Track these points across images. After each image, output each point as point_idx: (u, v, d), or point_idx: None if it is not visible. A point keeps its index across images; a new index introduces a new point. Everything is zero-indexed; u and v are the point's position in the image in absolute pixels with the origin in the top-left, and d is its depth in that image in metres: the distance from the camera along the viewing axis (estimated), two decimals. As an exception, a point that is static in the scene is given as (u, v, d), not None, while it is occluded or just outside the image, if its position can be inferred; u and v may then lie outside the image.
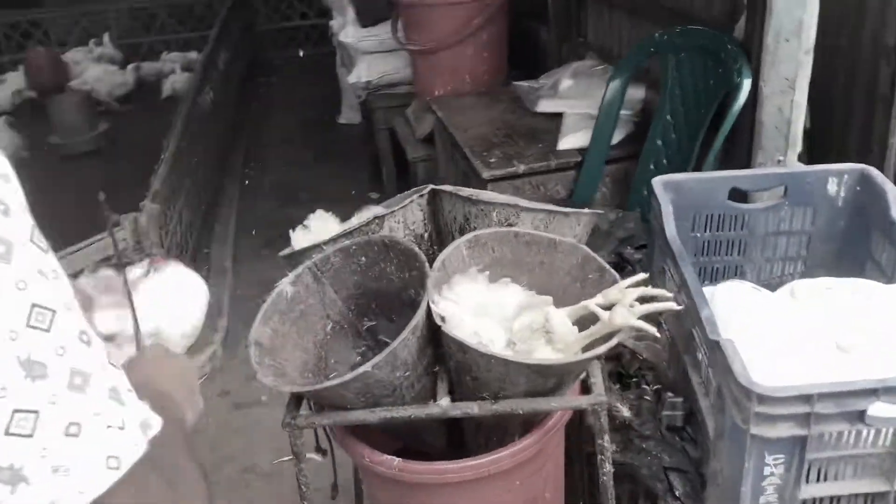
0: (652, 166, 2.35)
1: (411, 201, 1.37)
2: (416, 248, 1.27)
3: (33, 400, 0.50)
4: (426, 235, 1.43)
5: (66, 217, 3.82)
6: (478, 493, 1.32)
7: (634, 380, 1.67)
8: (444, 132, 2.99)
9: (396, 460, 1.27)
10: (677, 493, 1.39)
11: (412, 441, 1.42)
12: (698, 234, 1.73)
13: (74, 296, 0.56)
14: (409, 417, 1.20)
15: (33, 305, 0.51)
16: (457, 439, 1.43)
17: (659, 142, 2.33)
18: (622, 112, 2.52)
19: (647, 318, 1.18)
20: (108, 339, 1.05)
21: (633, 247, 2.14)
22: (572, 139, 2.62)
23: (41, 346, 0.51)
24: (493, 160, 2.56)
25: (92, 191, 4.23)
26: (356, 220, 1.39)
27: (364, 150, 4.54)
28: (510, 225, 1.34)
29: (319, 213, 1.54)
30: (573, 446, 1.60)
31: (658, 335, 1.19)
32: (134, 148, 4.55)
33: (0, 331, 0.49)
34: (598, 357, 1.18)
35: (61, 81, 5.98)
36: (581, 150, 2.56)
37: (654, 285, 1.76)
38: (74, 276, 2.64)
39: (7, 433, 0.49)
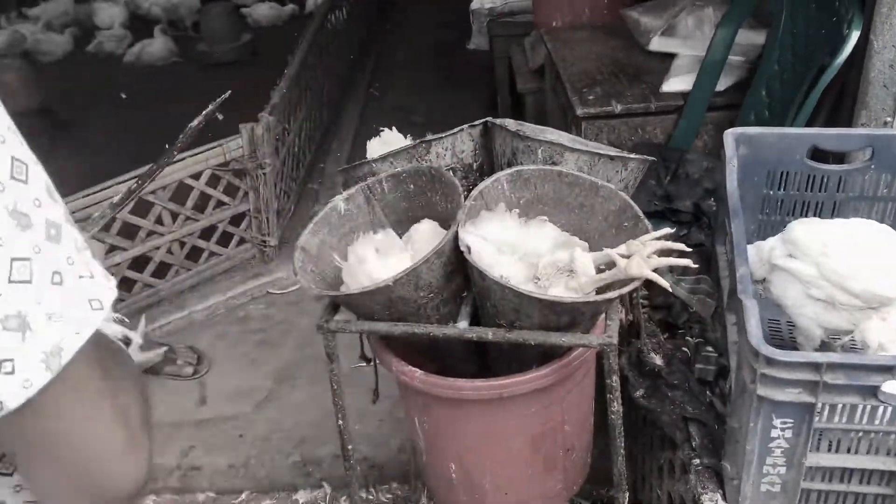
0: (753, 117, 2.25)
1: (461, 130, 1.42)
2: (456, 181, 1.33)
3: (25, 248, 0.51)
4: (476, 166, 1.48)
5: (188, 121, 4.13)
6: (495, 414, 1.41)
7: (681, 331, 1.68)
8: (551, 65, 2.96)
9: (419, 372, 1.37)
10: (694, 444, 1.41)
11: (445, 364, 1.51)
12: (771, 192, 1.68)
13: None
14: (428, 335, 1.29)
15: (13, 158, 0.52)
16: (486, 367, 1.51)
17: (763, 92, 2.22)
18: (733, 58, 2.40)
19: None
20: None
21: (717, 199, 2.09)
22: (678, 82, 2.53)
23: (23, 198, 0.52)
24: (591, 97, 2.52)
25: (225, 100, 4.49)
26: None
27: (486, 77, 4.55)
28: (554, 163, 1.37)
29: (393, 131, 1.61)
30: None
31: (669, 288, 1.19)
32: (272, 60, 4.76)
33: None
34: (610, 300, 1.21)
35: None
36: (685, 95, 2.48)
37: (714, 240, 1.74)
38: (195, 177, 2.89)
39: (10, 281, 0.50)
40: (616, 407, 1.29)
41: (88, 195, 2.63)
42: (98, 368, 0.57)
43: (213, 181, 2.97)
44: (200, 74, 5.22)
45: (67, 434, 0.56)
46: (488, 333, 1.26)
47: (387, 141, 1.51)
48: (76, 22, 5.92)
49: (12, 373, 0.51)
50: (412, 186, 1.40)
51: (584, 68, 2.73)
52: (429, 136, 1.41)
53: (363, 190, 1.42)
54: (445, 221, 1.38)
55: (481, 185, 1.32)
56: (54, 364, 0.52)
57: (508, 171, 1.35)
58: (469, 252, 1.23)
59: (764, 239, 1.63)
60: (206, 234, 3.05)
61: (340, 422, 1.44)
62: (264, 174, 3.00)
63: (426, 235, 1.32)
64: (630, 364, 1.56)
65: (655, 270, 1.19)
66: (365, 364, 1.59)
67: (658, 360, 1.52)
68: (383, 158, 1.41)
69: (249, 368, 2.75)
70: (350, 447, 1.48)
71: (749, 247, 1.55)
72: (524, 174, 1.35)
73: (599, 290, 1.25)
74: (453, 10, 5.41)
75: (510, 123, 1.48)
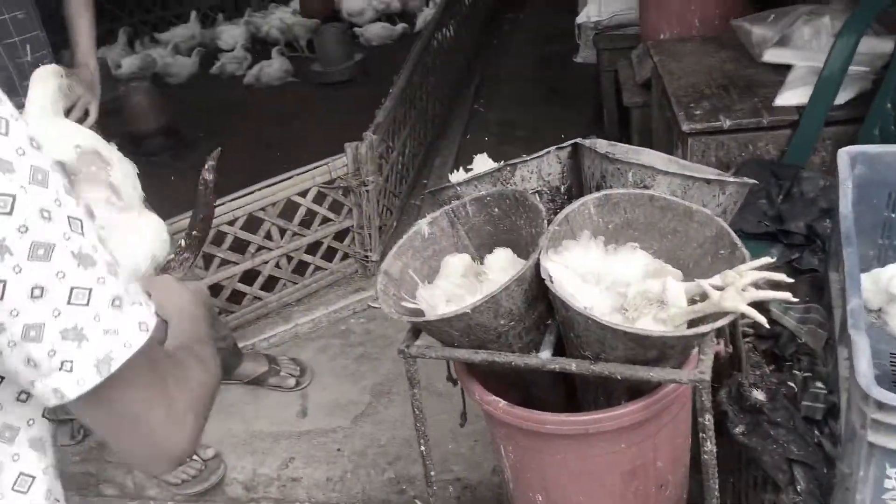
0: (877, 132, 2.08)
1: (548, 153, 1.39)
2: (540, 206, 1.29)
3: (87, 280, 0.66)
4: (564, 189, 1.44)
5: (308, 141, 4.28)
6: (581, 449, 1.36)
7: (789, 363, 1.57)
8: (657, 78, 2.86)
9: (502, 402, 1.34)
10: (799, 488, 1.31)
11: (532, 394, 1.47)
12: (893, 215, 1.54)
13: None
14: (510, 364, 1.26)
15: (69, 217, 0.66)
16: (575, 397, 1.46)
17: (888, 105, 2.06)
18: (855, 68, 2.24)
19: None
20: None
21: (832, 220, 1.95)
22: (793, 95, 2.38)
23: (84, 243, 0.66)
24: (697, 112, 2.42)
25: (336, 118, 4.64)
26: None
27: (593, 91, 4.47)
28: (645, 187, 1.31)
29: (482, 156, 1.60)
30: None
31: (767, 325, 1.11)
32: (383, 79, 4.87)
33: (57, 232, 0.64)
34: (701, 335, 1.13)
35: (330, 11, 6.48)
36: (800, 109, 2.33)
37: (828, 265, 1.62)
38: (303, 194, 2.98)
39: (68, 303, 0.65)
40: (709, 447, 1.21)
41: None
42: (149, 368, 0.72)
43: (319, 198, 3.05)
44: (314, 93, 5.40)
45: (124, 413, 0.72)
46: (571, 365, 1.22)
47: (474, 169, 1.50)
48: (202, 45, 6.26)
49: (70, 371, 0.66)
50: (497, 210, 1.38)
51: (691, 82, 2.62)
52: (514, 160, 1.38)
53: (447, 213, 1.40)
54: (530, 246, 1.35)
55: (566, 210, 1.28)
56: (104, 369, 0.67)
57: (596, 194, 1.30)
58: (551, 281, 1.19)
59: (884, 266, 1.50)
60: (312, 249, 3.13)
61: (423, 447, 1.43)
62: (367, 191, 3.06)
63: (501, 263, 1.29)
64: (730, 398, 1.47)
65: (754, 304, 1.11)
66: (454, 385, 1.57)
67: (760, 395, 1.42)
68: (467, 182, 1.40)
69: (349, 382, 2.79)
70: (433, 473, 1.47)
71: (865, 275, 1.43)
72: (613, 198, 1.30)
73: (692, 323, 1.18)
74: (561, 24, 5.36)
75: (601, 144, 1.43)
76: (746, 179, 1.32)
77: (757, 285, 1.14)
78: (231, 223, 2.86)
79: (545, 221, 1.26)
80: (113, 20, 6.56)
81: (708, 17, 3.13)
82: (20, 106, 1.80)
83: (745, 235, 2.16)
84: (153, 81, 5.51)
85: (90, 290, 0.66)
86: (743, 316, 1.24)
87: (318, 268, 3.17)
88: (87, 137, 1.27)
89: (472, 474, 2.32)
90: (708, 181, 1.29)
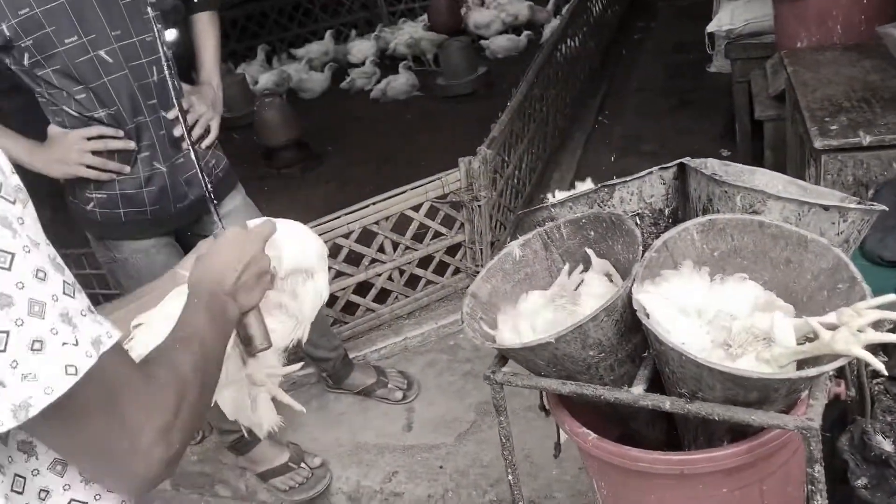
0: None
1: (650, 173, 1.31)
2: (636, 231, 1.22)
3: (2, 323, 0.63)
4: (668, 212, 1.35)
5: (428, 153, 4.31)
6: (679, 490, 1.26)
7: (928, 410, 1.40)
8: (790, 90, 2.66)
9: (591, 436, 1.27)
10: (930, 556, 1.16)
11: (630, 427, 1.39)
12: None
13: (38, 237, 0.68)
14: (599, 397, 1.19)
15: None
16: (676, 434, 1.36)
17: None
18: None
19: None
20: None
21: None
22: (947, 107, 2.15)
23: (4, 282, 0.63)
24: (834, 127, 2.22)
25: (457, 131, 4.65)
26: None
27: (725, 102, 4.25)
28: (755, 212, 1.21)
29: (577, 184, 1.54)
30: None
31: (885, 372, 0.98)
32: (506, 91, 4.85)
33: None
34: (809, 378, 1.02)
35: (458, 25, 6.52)
36: (955, 122, 2.10)
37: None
38: (416, 209, 3.00)
39: None
40: (819, 501, 1.09)
41: (324, 222, 2.83)
42: (105, 399, 0.71)
43: (432, 213, 3.06)
44: (438, 107, 5.46)
45: (81, 443, 0.72)
46: (665, 403, 1.14)
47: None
48: (335, 60, 6.48)
49: None
50: (592, 233, 1.31)
51: (827, 94, 2.42)
52: (611, 181, 1.31)
53: (541, 235, 1.35)
54: (627, 272, 1.27)
55: (666, 235, 1.20)
56: (21, 415, 0.65)
57: (699, 219, 1.21)
58: (644, 312, 1.11)
59: None
60: (424, 263, 3.15)
61: (510, 476, 1.38)
62: (479, 206, 3.04)
63: (597, 290, 1.23)
64: (852, 446, 1.33)
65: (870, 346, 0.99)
66: (546, 415, 1.51)
67: (887, 445, 1.27)
68: (562, 203, 1.34)
69: (455, 398, 2.78)
70: (521, 503, 1.42)
71: None
72: (718, 223, 1.21)
73: (801, 364, 1.07)
74: (696, 32, 5.14)
75: (710, 164, 1.33)
76: (874, 205, 1.19)
77: (879, 326, 1.01)
78: (346, 236, 2.92)
79: (640, 248, 1.18)
80: (253, 38, 6.92)
81: (852, 22, 2.89)
82: (142, 125, 1.90)
83: (885, 263, 1.96)
84: (288, 96, 5.75)
85: (7, 332, 0.63)
86: (884, 351, 1.12)
87: (429, 282, 3.18)
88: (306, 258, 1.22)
89: (576, 502, 2.24)
90: (826, 207, 1.17)
